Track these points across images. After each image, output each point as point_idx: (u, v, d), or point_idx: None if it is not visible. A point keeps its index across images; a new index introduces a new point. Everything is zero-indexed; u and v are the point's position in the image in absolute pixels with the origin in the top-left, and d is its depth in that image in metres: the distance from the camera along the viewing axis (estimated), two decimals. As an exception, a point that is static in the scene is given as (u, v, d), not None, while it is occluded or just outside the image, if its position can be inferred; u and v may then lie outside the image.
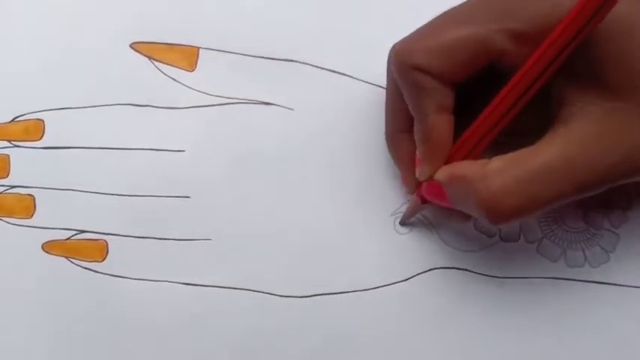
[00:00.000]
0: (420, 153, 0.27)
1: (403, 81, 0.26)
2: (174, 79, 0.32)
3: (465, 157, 0.26)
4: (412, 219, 0.31)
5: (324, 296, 0.31)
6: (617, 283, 0.31)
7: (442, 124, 0.26)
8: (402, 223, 0.31)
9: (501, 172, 0.24)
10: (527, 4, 0.24)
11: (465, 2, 0.26)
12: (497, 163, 0.25)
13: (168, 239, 0.31)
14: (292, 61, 0.32)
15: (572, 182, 0.24)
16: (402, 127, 0.29)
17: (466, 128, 0.26)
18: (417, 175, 0.28)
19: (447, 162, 0.27)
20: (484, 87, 0.26)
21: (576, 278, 0.31)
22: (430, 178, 0.27)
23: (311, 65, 0.32)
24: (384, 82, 0.31)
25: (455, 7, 0.26)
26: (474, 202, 0.24)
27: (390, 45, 0.27)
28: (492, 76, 0.25)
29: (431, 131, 0.26)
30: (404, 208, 0.31)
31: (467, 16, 0.25)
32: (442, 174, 0.26)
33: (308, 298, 0.31)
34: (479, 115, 0.26)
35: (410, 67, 0.25)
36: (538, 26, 0.24)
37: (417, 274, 0.31)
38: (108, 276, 0.31)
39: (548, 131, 0.25)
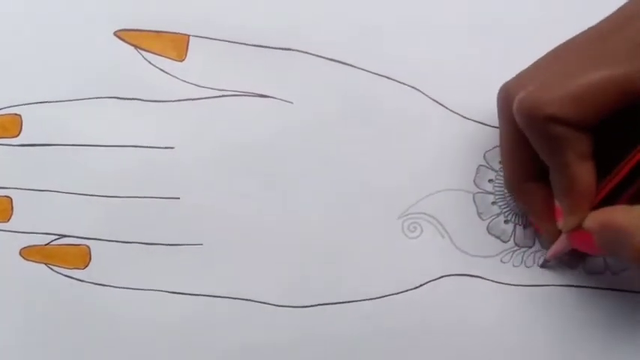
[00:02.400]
0: (562, 204, 0.27)
1: (536, 133, 0.25)
2: (163, 70, 0.31)
3: (611, 203, 0.26)
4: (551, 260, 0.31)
5: (326, 306, 0.30)
6: (636, 290, 0.31)
7: (585, 173, 0.25)
8: (546, 263, 0.30)
9: None
10: None
11: (588, 33, 0.25)
12: None
13: (155, 244, 0.31)
14: (290, 49, 0.31)
15: None
16: (528, 176, 0.28)
17: (598, 166, 0.26)
18: (561, 227, 0.27)
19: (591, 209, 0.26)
20: (618, 124, 0.25)
21: (596, 286, 0.30)
22: (577, 228, 0.26)
23: (310, 54, 0.31)
24: (389, 71, 0.31)
25: (577, 39, 0.26)
26: (630, 254, 0.24)
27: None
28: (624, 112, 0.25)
29: (574, 182, 0.26)
30: (414, 210, 0.30)
31: (598, 54, 0.24)
32: (592, 222, 0.26)
33: (308, 309, 0.30)
34: (626, 159, 0.25)
35: (543, 119, 0.24)
36: None
37: (427, 282, 0.30)
38: (90, 284, 0.30)
39: None
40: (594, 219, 0.26)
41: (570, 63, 0.25)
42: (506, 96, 0.27)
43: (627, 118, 0.25)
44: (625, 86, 0.24)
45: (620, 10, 0.25)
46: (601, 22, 0.25)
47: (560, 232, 0.28)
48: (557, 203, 0.27)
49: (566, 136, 0.24)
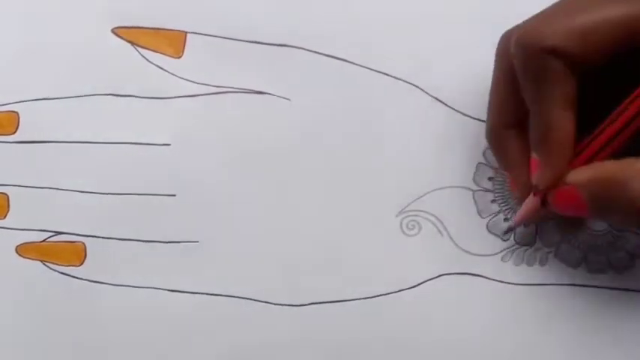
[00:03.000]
0: (539, 154, 0.26)
1: (527, 65, 0.25)
2: (160, 67, 0.31)
3: (599, 158, 0.25)
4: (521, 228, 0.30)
5: (324, 305, 0.30)
6: (629, 288, 0.30)
7: (567, 120, 0.25)
8: (511, 230, 0.30)
9: None
10: None
11: None
12: None
13: (151, 241, 0.31)
14: (288, 46, 0.31)
15: None
16: (509, 121, 0.28)
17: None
18: (535, 181, 0.26)
19: (570, 166, 0.26)
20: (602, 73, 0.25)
21: (599, 285, 0.30)
22: (554, 183, 0.26)
23: (307, 50, 0.31)
24: (388, 68, 0.31)
25: None
26: (626, 206, 0.23)
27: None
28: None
29: (555, 128, 0.25)
30: (412, 207, 0.31)
31: None
32: (581, 176, 0.25)
33: (306, 307, 0.30)
34: (615, 112, 0.25)
35: (541, 50, 0.24)
36: None
37: (426, 281, 0.30)
38: (86, 281, 0.31)
39: None
40: (582, 172, 0.25)
41: (580, 3, 0.24)
42: (507, 35, 0.26)
43: (612, 79, 0.24)
44: (632, 27, 0.23)
45: None
46: None
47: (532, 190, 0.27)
48: (533, 155, 0.26)
49: (559, 72, 0.24)
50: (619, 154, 0.25)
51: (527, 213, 0.28)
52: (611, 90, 0.25)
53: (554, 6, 0.25)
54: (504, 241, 0.30)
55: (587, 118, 0.25)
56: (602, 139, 0.25)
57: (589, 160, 0.25)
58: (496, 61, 0.27)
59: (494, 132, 0.28)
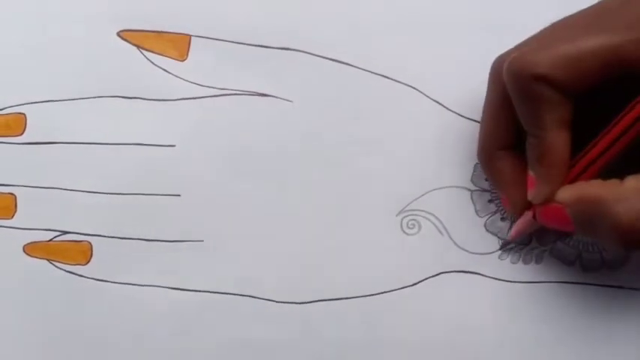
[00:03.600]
0: (535, 172, 0.27)
1: (520, 92, 0.25)
2: (165, 69, 0.31)
3: (585, 177, 0.26)
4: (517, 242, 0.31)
5: (325, 302, 0.31)
6: (638, 287, 0.31)
7: (561, 140, 0.25)
8: (507, 244, 0.30)
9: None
10: None
11: (590, 9, 0.26)
12: (634, 183, 0.24)
13: (156, 241, 0.31)
14: (289, 49, 0.31)
15: None
16: (502, 144, 0.28)
17: (574, 142, 0.26)
18: (531, 197, 0.27)
19: (564, 183, 0.26)
20: (596, 97, 0.25)
21: (593, 282, 0.31)
22: (548, 200, 0.26)
23: (309, 53, 0.31)
24: (388, 71, 0.31)
25: (577, 13, 0.26)
26: (609, 227, 0.24)
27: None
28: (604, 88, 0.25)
29: (551, 149, 0.25)
30: (412, 207, 0.31)
31: (596, 24, 0.25)
32: (566, 195, 0.26)
33: (308, 305, 0.31)
34: (602, 132, 0.25)
35: (532, 77, 0.25)
36: None
37: (426, 278, 0.31)
38: (92, 280, 0.31)
39: None
40: (569, 191, 0.25)
41: (566, 31, 0.25)
42: (500, 61, 0.27)
43: (607, 100, 0.25)
44: (617, 55, 0.24)
45: None
46: (601, 1, 0.26)
47: (526, 207, 0.28)
48: (530, 173, 0.27)
49: (551, 98, 0.25)
50: (606, 173, 0.25)
51: (523, 227, 0.29)
52: (606, 112, 0.25)
53: (543, 32, 0.26)
54: (502, 251, 0.31)
55: (586, 138, 0.26)
56: (589, 158, 0.25)
57: (576, 178, 0.26)
58: (489, 85, 0.28)
59: (487, 153, 0.29)
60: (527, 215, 0.28)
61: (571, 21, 0.26)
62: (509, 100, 0.26)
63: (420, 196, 0.31)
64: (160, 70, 0.31)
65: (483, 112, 0.29)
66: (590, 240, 0.31)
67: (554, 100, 0.25)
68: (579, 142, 0.26)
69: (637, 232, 0.23)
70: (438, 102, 0.31)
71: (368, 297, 0.30)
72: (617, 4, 0.25)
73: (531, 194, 0.27)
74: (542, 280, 0.31)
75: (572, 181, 0.26)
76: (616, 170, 0.25)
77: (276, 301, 0.30)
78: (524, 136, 0.27)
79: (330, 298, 0.30)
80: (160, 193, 0.31)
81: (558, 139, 0.25)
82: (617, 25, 0.24)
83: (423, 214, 0.31)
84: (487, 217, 0.31)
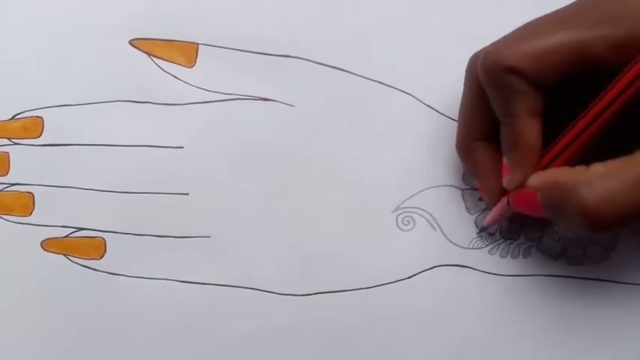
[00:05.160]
0: (509, 159, 0.27)
1: (493, 83, 0.26)
2: (174, 76, 0.32)
3: (555, 165, 0.26)
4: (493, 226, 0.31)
5: (325, 294, 0.31)
6: (619, 280, 0.31)
7: (532, 128, 0.26)
8: (483, 229, 0.31)
9: (606, 177, 0.24)
10: (630, 12, 0.24)
11: (562, 8, 0.26)
12: (600, 168, 0.24)
13: (166, 237, 0.31)
14: (291, 57, 0.32)
15: None
16: (478, 135, 0.29)
17: (546, 133, 0.26)
18: (506, 184, 0.27)
19: (536, 169, 0.27)
20: (569, 90, 0.26)
21: (577, 276, 0.31)
22: (520, 185, 0.27)
23: (310, 61, 0.32)
24: (384, 77, 0.32)
25: (551, 13, 0.26)
26: (575, 210, 0.24)
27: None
28: (576, 77, 0.25)
29: (522, 136, 0.26)
30: (407, 204, 0.31)
31: (565, 21, 0.25)
32: (537, 181, 0.26)
33: (309, 297, 0.31)
34: (572, 123, 0.26)
35: (503, 69, 0.25)
36: (638, 35, 0.24)
37: (420, 272, 0.31)
38: (106, 274, 0.31)
39: None
40: (538, 177, 0.26)
41: (537, 28, 0.26)
42: (475, 57, 0.28)
43: (578, 92, 0.25)
44: (582, 50, 0.24)
45: None
46: (574, 2, 0.26)
47: (502, 195, 0.28)
48: (504, 161, 0.27)
49: (521, 89, 0.25)
50: (576, 161, 0.26)
51: (498, 214, 0.29)
52: (578, 105, 0.26)
53: (516, 31, 0.27)
54: (479, 235, 0.31)
55: (561, 129, 0.26)
56: (560, 146, 0.26)
57: (548, 166, 0.26)
58: (465, 80, 0.28)
59: (464, 144, 0.29)
60: (502, 202, 0.28)
61: (542, 19, 0.26)
62: (484, 93, 0.27)
63: (414, 195, 0.31)
64: (170, 76, 0.31)
65: (461, 105, 0.29)
66: (573, 235, 0.31)
67: (524, 90, 0.25)
68: (555, 133, 0.26)
69: (602, 215, 0.23)
70: (430, 106, 0.31)
71: (365, 289, 0.31)
72: (586, 5, 0.26)
73: (505, 180, 0.27)
74: (530, 273, 0.31)
75: (543, 169, 0.26)
76: (586, 158, 0.25)
77: (279, 293, 0.31)
78: (498, 128, 0.27)
79: (330, 290, 0.31)
80: (169, 191, 0.31)
81: (529, 127, 0.26)
82: (583, 23, 0.25)
83: (417, 211, 0.31)
84: (477, 214, 0.31)
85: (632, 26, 0.24)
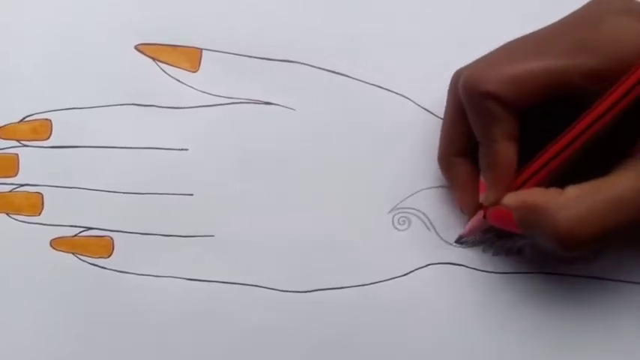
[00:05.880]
0: (486, 178, 0.27)
1: (472, 107, 0.26)
2: (178, 80, 0.32)
3: (530, 185, 0.27)
4: (470, 237, 0.31)
5: (325, 291, 0.31)
6: (607, 277, 0.31)
7: (508, 151, 0.26)
8: (460, 238, 0.31)
9: (579, 201, 0.24)
10: (604, 38, 0.24)
11: (539, 32, 0.26)
12: (574, 192, 0.25)
13: (171, 235, 0.31)
14: (292, 61, 0.32)
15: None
16: (458, 151, 0.29)
17: (523, 153, 0.27)
18: (482, 200, 0.28)
19: (512, 188, 0.27)
20: (546, 113, 0.26)
21: (568, 273, 0.31)
22: (496, 203, 0.27)
23: (310, 65, 0.32)
24: (382, 82, 0.32)
25: (528, 36, 0.26)
26: (549, 231, 0.24)
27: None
28: (553, 102, 0.26)
29: (498, 158, 0.26)
30: (403, 205, 0.31)
31: (542, 48, 0.25)
32: (512, 200, 0.26)
33: (309, 293, 0.31)
34: (547, 146, 0.26)
35: (481, 94, 0.25)
36: (613, 64, 0.24)
37: (415, 270, 0.31)
38: (113, 271, 0.31)
39: (620, 163, 0.25)
40: (512, 197, 0.26)
41: (515, 52, 0.26)
42: (457, 76, 0.28)
43: (556, 115, 0.26)
44: (558, 78, 0.25)
45: (570, 15, 0.26)
46: (551, 24, 0.27)
47: (478, 208, 0.28)
48: (482, 178, 0.28)
49: (498, 113, 0.25)
50: (551, 182, 0.26)
51: (475, 225, 0.29)
52: (555, 128, 0.26)
53: (495, 52, 0.27)
54: (457, 246, 0.31)
55: (538, 150, 0.27)
56: (535, 167, 0.26)
57: (522, 186, 0.27)
58: (448, 97, 0.29)
59: (445, 158, 0.30)
60: (479, 214, 0.29)
61: (520, 43, 0.26)
62: (464, 113, 0.27)
63: (409, 196, 0.31)
64: (174, 80, 0.32)
65: (443, 121, 0.30)
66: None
67: (501, 115, 0.25)
68: (533, 154, 0.27)
69: (574, 237, 0.24)
70: (426, 109, 0.32)
71: (363, 286, 0.31)
72: (560, 30, 0.26)
73: (482, 197, 0.28)
74: (521, 270, 0.31)
75: (518, 188, 0.27)
76: (561, 179, 0.26)
77: (280, 290, 0.31)
78: (477, 145, 0.28)
79: (329, 287, 0.31)
80: (175, 192, 0.31)
81: (505, 150, 0.26)
82: (559, 50, 0.25)
83: (412, 211, 0.31)
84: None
85: (607, 55, 0.24)
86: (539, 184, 0.26)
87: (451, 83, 0.28)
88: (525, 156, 0.27)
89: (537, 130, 0.26)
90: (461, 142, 0.29)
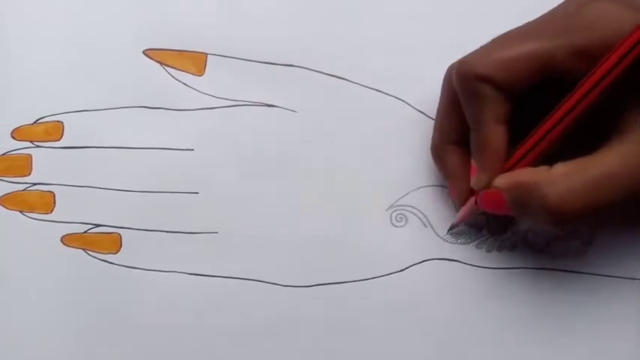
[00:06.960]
0: (476, 162, 0.28)
1: (465, 90, 0.27)
2: (184, 83, 0.32)
3: (520, 166, 0.27)
4: (459, 227, 0.32)
5: (325, 286, 0.31)
6: (597, 273, 0.32)
7: (499, 133, 0.26)
8: (452, 228, 0.31)
9: (567, 176, 0.25)
10: (587, 23, 0.25)
11: (529, 22, 0.27)
12: (562, 168, 0.25)
13: (177, 232, 0.32)
14: (293, 65, 0.32)
15: (629, 188, 0.24)
16: (450, 140, 0.29)
17: (515, 138, 0.27)
18: (473, 184, 0.28)
19: (502, 171, 0.27)
20: (536, 100, 0.26)
21: (559, 268, 0.31)
22: (487, 186, 0.27)
23: (311, 70, 0.32)
24: (380, 85, 0.32)
25: (520, 27, 0.27)
26: (540, 207, 0.25)
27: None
28: (543, 87, 0.26)
29: (489, 140, 0.27)
30: (400, 203, 0.32)
31: (531, 33, 0.26)
32: (502, 181, 0.27)
33: (310, 288, 0.31)
34: (536, 127, 0.26)
35: (473, 77, 0.26)
36: (599, 43, 0.25)
37: (412, 265, 0.32)
38: (122, 267, 0.31)
39: (606, 140, 0.25)
40: (504, 178, 0.27)
41: (507, 39, 0.27)
42: (451, 68, 0.28)
43: (547, 101, 0.26)
44: (546, 58, 0.25)
45: (558, 6, 0.27)
46: (541, 15, 0.27)
47: (470, 195, 0.29)
48: (473, 163, 0.28)
49: (490, 96, 0.26)
50: (540, 162, 0.26)
51: (466, 212, 0.30)
52: (544, 111, 0.26)
53: (488, 43, 0.27)
54: (450, 234, 0.31)
55: (527, 133, 0.27)
56: (524, 149, 0.27)
57: (513, 167, 0.27)
58: (442, 88, 0.29)
59: (438, 147, 0.30)
60: (471, 201, 0.29)
61: (512, 32, 0.27)
62: (458, 102, 0.28)
63: (407, 194, 0.32)
64: (180, 83, 0.32)
65: (436, 113, 0.30)
66: (557, 231, 0.31)
67: (493, 98, 0.26)
68: (522, 138, 0.27)
69: (564, 212, 0.24)
70: (422, 112, 0.32)
71: (362, 281, 0.31)
72: (549, 17, 0.27)
73: (473, 181, 0.28)
74: (515, 266, 0.31)
75: (509, 170, 0.27)
76: (550, 159, 0.26)
77: (282, 285, 0.31)
78: (469, 134, 0.28)
79: (329, 282, 0.31)
80: (180, 191, 0.32)
81: (496, 133, 0.26)
82: (546, 34, 0.25)
83: (409, 209, 0.32)
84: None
85: (589, 36, 0.25)
86: (529, 165, 0.27)
87: (445, 75, 0.29)
88: (518, 142, 0.27)
89: (529, 117, 0.26)
90: (454, 131, 0.29)
